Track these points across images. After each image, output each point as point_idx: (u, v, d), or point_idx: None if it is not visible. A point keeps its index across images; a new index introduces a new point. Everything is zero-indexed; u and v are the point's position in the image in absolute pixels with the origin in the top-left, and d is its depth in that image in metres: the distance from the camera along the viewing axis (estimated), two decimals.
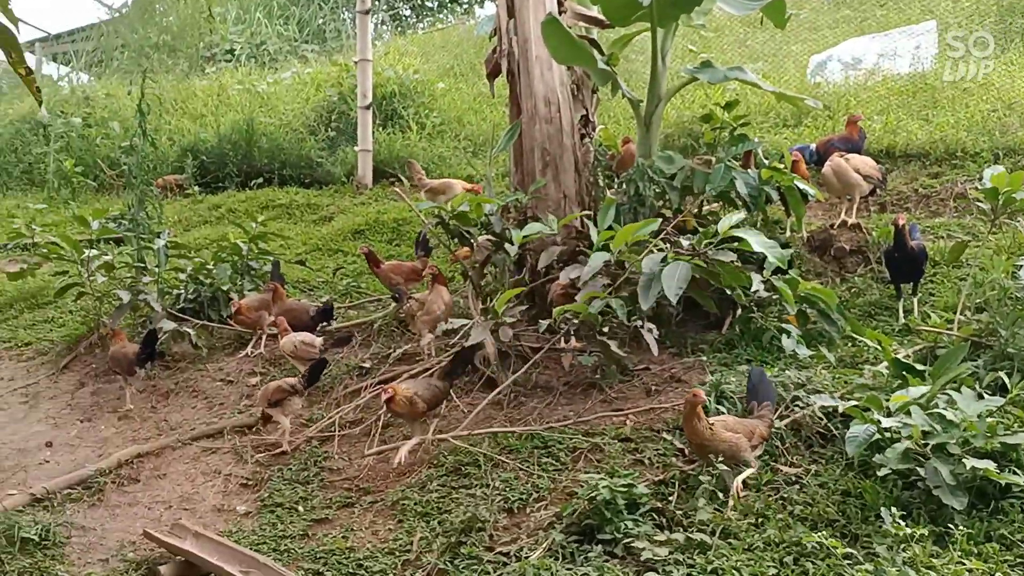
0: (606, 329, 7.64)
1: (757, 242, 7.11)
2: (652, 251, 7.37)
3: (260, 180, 15.40)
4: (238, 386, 8.95)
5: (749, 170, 8.40)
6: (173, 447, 7.85)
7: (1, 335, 10.72)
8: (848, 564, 4.94)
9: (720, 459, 5.73)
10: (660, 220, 7.76)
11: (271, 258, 10.49)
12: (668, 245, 7.48)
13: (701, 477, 5.77)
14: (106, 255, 9.92)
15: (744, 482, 5.78)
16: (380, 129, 15.41)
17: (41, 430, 8.49)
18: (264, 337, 9.46)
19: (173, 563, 6.13)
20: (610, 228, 7.70)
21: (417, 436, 7.04)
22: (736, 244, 7.24)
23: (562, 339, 7.80)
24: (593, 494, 5.69)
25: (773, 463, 6.07)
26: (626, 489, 5.70)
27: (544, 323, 7.64)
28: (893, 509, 5.09)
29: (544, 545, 5.65)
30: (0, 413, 8.48)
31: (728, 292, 7.56)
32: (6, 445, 8.13)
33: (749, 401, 6.19)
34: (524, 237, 8.05)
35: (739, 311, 7.95)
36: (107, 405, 8.86)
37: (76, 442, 8.21)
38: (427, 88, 16.51)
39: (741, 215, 7.38)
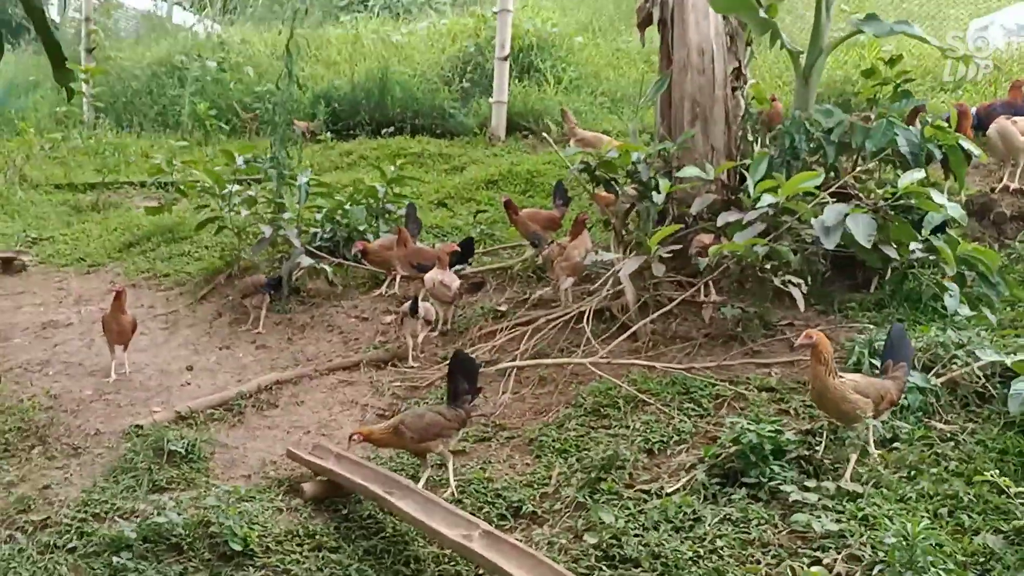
0: (746, 286, 7.84)
1: (939, 197, 7.22)
2: (821, 203, 7.52)
3: (391, 129, 15.89)
4: (373, 323, 9.36)
5: (911, 127, 8.37)
6: (311, 376, 8.30)
7: (140, 266, 11.37)
8: (1004, 519, 5.02)
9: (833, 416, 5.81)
10: (824, 173, 7.84)
11: (407, 201, 10.85)
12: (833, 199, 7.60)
13: (849, 431, 5.89)
14: (249, 191, 10.45)
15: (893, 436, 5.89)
16: (516, 82, 15.71)
17: (182, 355, 9.04)
18: (398, 277, 9.84)
19: (315, 482, 6.51)
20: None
21: (426, 471, 6.44)
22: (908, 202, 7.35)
23: (702, 290, 8.02)
24: (738, 437, 5.89)
25: (927, 420, 6.17)
26: (773, 435, 5.87)
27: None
28: None
29: (685, 483, 5.90)
30: (142, 337, 9.01)
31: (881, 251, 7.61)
32: (149, 366, 8.69)
33: (885, 359, 6.17)
34: (672, 186, 8.21)
35: (889, 272, 8.02)
36: (245, 335, 9.37)
37: (215, 367, 8.73)
38: (565, 42, 16.76)
39: (920, 173, 7.46)
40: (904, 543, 4.63)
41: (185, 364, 8.78)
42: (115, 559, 5.62)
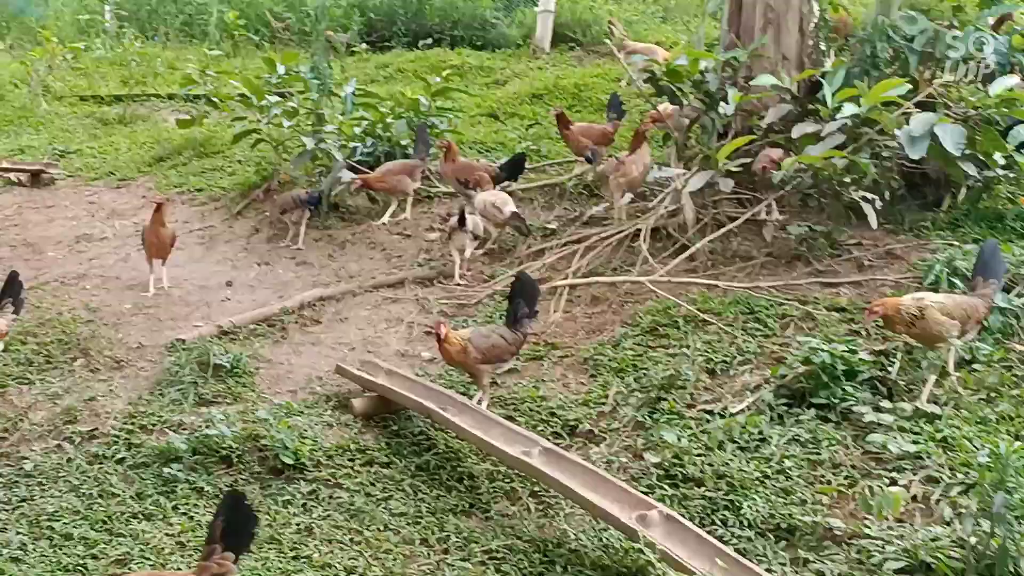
0: (810, 204, 7.87)
1: None
2: (906, 112, 7.46)
3: (429, 40, 15.77)
4: (415, 240, 9.43)
5: (999, 36, 8.24)
6: (354, 293, 8.39)
7: (172, 180, 11.44)
8: None
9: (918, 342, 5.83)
10: (909, 81, 7.73)
11: (451, 115, 10.82)
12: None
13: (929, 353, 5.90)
14: (291, 102, 10.42)
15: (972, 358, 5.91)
16: None
17: (220, 270, 9.15)
18: (411, 201, 9.87)
19: (365, 398, 6.60)
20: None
21: (484, 394, 6.45)
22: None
23: (765, 208, 7.98)
24: (809, 357, 5.91)
25: (1007, 341, 6.18)
26: (846, 355, 5.88)
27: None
28: None
29: (750, 404, 5.96)
30: (178, 253, 9.07)
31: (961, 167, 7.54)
32: (187, 281, 8.81)
33: (975, 276, 6.15)
34: (742, 96, 8.12)
35: (964, 190, 7.98)
36: (284, 251, 9.46)
37: (255, 283, 8.83)
38: None
39: (1015, 78, 7.36)
40: (997, 463, 4.65)
41: (224, 280, 8.88)
42: (166, 470, 5.77)
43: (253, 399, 6.70)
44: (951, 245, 7.36)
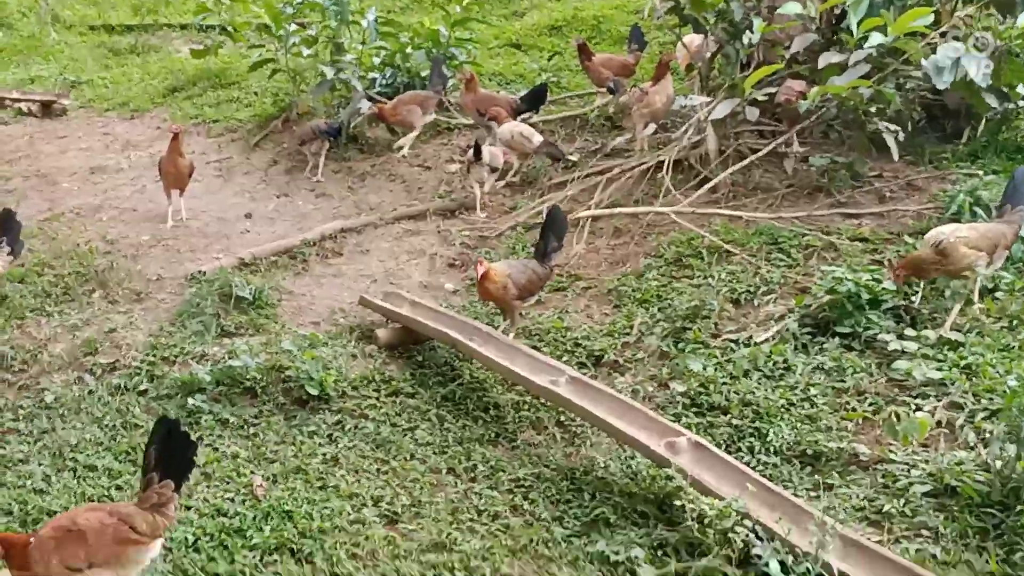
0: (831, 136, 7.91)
1: None
2: (931, 43, 7.41)
3: None
4: (436, 172, 9.42)
5: None
6: (375, 225, 8.40)
7: (187, 111, 11.42)
8: None
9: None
10: (933, 11, 7.65)
11: (471, 47, 10.73)
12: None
13: (953, 282, 5.92)
14: (310, 30, 10.35)
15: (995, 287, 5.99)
16: None
17: (239, 202, 9.16)
18: (416, 134, 9.81)
19: (389, 329, 6.64)
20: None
21: (506, 327, 6.50)
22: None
23: (786, 142, 7.99)
24: (834, 287, 5.96)
25: None
26: (870, 284, 5.93)
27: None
28: None
29: (774, 333, 6.01)
30: (196, 184, 9.09)
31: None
32: (206, 213, 8.83)
33: (1004, 203, 6.15)
34: (766, 26, 8.03)
35: (984, 122, 8.01)
36: (303, 183, 9.45)
37: (274, 215, 8.84)
38: None
39: None
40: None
41: (243, 212, 8.89)
42: (189, 401, 5.83)
43: (276, 331, 6.75)
44: (972, 175, 7.41)
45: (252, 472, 5.30)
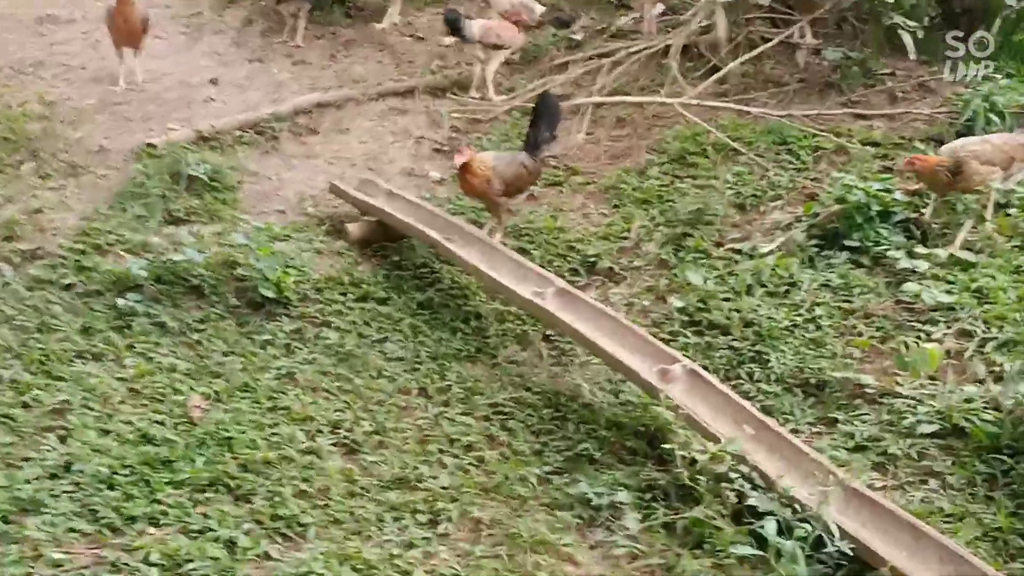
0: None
1: None
2: None
3: None
4: (429, 44, 8.87)
5: None
6: (357, 101, 7.81)
7: None
8: None
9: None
10: None
11: None
12: None
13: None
14: None
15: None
16: None
17: (206, 65, 8.42)
18: (399, 7, 9.28)
19: (362, 222, 6.06)
20: None
21: (493, 226, 5.99)
22: None
23: (799, 31, 7.89)
24: (844, 195, 5.78)
25: None
26: (881, 194, 5.76)
27: None
28: None
29: (780, 243, 5.80)
30: (158, 42, 8.36)
31: None
32: (168, 76, 8.07)
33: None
34: None
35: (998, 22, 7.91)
36: (280, 48, 8.74)
37: (245, 83, 8.14)
38: None
39: None
40: None
41: (209, 76, 8.16)
42: (120, 300, 5.14)
43: (233, 219, 6.10)
44: (989, 79, 7.22)
45: (191, 389, 4.62)
